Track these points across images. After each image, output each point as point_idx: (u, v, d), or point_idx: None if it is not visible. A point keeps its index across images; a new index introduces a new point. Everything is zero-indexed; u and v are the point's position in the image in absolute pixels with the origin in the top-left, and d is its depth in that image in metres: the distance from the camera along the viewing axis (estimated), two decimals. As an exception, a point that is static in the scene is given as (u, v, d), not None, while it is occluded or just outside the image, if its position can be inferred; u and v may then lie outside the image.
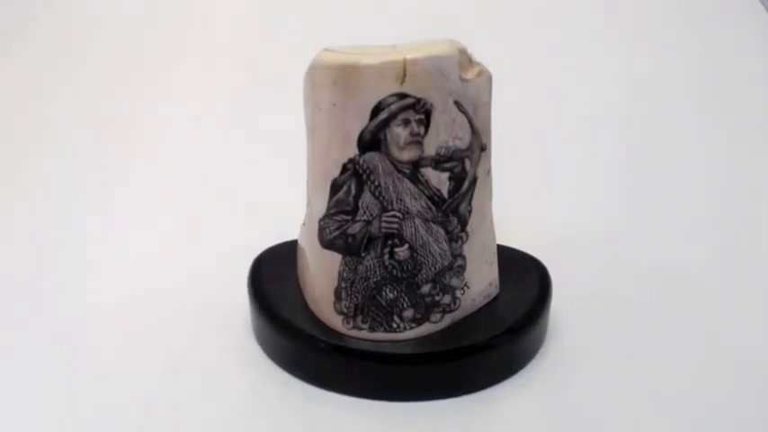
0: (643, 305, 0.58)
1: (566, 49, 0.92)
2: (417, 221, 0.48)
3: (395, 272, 0.49)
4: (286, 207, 0.54)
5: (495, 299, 0.53)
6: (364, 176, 0.46)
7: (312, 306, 0.51)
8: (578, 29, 0.96)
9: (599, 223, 0.67)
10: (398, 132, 0.45)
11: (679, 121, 0.80)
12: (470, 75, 0.46)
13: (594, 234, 0.65)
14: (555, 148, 0.76)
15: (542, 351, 0.54)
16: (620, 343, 0.55)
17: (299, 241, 0.53)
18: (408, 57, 0.44)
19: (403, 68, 0.44)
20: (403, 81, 0.44)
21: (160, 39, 0.93)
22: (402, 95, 0.45)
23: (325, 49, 0.45)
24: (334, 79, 0.44)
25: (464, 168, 0.48)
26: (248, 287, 0.54)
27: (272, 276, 0.54)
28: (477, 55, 0.46)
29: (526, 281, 0.54)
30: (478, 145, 0.48)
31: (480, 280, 0.52)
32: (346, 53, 0.45)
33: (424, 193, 0.47)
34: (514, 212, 0.56)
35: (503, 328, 0.51)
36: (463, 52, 0.46)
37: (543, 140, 0.77)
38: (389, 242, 0.48)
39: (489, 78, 0.47)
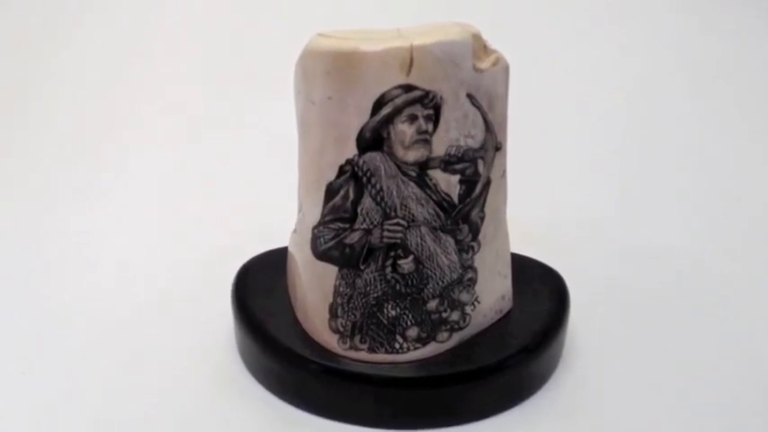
0: (664, 315, 0.56)
1: (565, 48, 0.89)
2: (424, 230, 0.44)
3: (398, 286, 0.45)
4: (276, 210, 0.52)
5: (507, 314, 0.50)
6: (364, 180, 0.43)
7: (303, 323, 0.48)
8: (578, 27, 0.93)
9: (608, 225, 0.65)
10: (403, 130, 0.42)
11: (683, 121, 0.78)
12: (485, 64, 0.43)
13: (604, 236, 0.64)
14: (555, 148, 0.74)
15: (557, 373, 0.51)
16: (645, 363, 0.52)
17: (290, 249, 0.50)
18: (415, 43, 0.41)
19: (409, 56, 0.40)
20: (409, 71, 0.41)
21: (150, 38, 0.91)
22: (408, 87, 0.41)
23: (320, 34, 0.42)
24: (329, 68, 0.41)
25: (476, 170, 0.44)
26: (232, 299, 0.51)
27: (259, 288, 0.51)
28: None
29: (541, 293, 0.52)
30: (493, 144, 0.45)
31: (492, 294, 0.49)
32: (344, 38, 0.41)
33: (431, 198, 0.44)
34: (516, 213, 0.53)
35: (516, 348, 0.48)
36: (477, 38, 0.43)
37: (542, 139, 0.75)
38: (392, 253, 0.45)
39: (506, 68, 0.44)
